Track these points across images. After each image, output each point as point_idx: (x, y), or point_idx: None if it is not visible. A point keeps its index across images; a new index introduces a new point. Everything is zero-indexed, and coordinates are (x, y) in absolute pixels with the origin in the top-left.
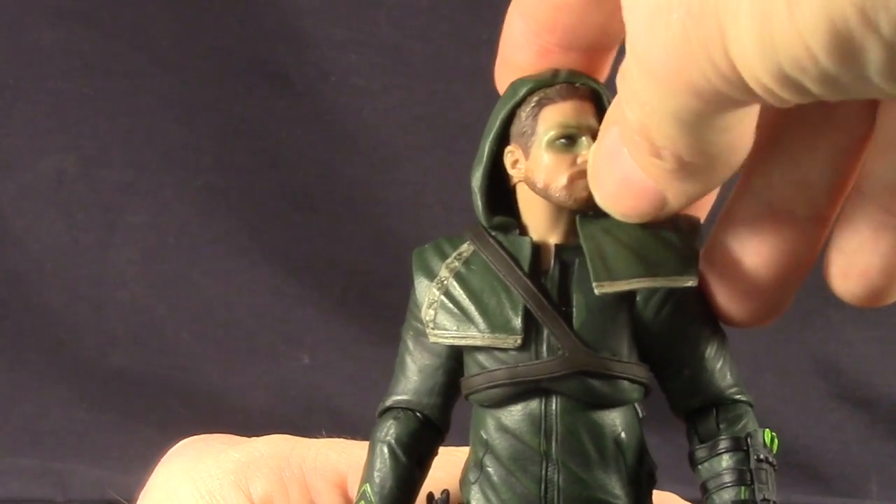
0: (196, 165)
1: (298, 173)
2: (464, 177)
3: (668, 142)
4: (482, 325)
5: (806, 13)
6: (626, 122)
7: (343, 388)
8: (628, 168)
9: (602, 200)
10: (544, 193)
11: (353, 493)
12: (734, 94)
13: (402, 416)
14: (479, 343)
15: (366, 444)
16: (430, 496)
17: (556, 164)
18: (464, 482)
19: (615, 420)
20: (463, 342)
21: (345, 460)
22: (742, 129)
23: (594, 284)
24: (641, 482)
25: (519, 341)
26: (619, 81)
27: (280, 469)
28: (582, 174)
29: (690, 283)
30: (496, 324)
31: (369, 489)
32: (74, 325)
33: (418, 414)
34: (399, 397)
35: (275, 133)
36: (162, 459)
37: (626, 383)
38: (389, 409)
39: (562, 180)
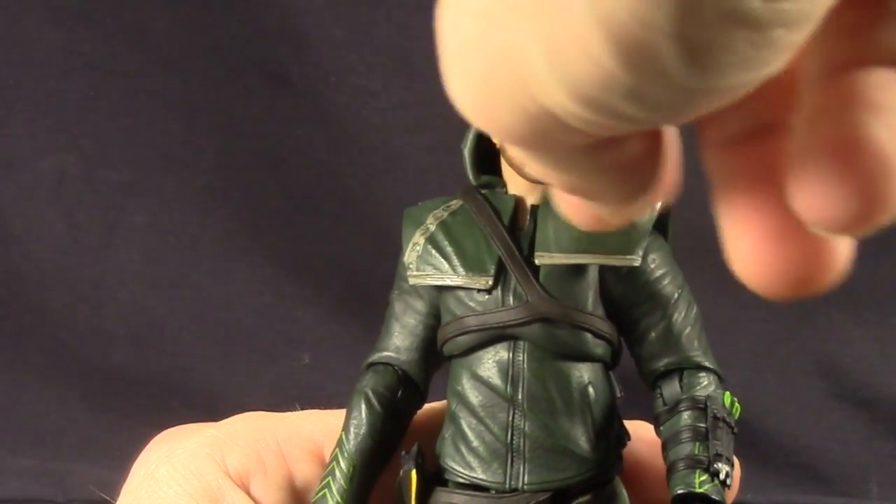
0: (196, 165)
1: (298, 173)
2: (465, 178)
3: (541, 173)
4: (458, 267)
5: (582, 28)
6: None
7: (343, 388)
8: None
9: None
10: (510, 162)
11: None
12: (551, 132)
13: (382, 369)
14: (454, 283)
15: (340, 412)
16: (403, 453)
17: None
18: (439, 438)
19: (582, 373)
20: (440, 282)
21: (319, 429)
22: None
23: (535, 254)
24: (609, 441)
25: (490, 282)
26: None
27: (255, 441)
28: None
29: (634, 262)
30: (471, 266)
31: (344, 436)
32: (74, 325)
33: (397, 369)
34: (380, 353)
35: (275, 133)
36: (144, 449)
37: (589, 336)
38: (371, 364)
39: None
